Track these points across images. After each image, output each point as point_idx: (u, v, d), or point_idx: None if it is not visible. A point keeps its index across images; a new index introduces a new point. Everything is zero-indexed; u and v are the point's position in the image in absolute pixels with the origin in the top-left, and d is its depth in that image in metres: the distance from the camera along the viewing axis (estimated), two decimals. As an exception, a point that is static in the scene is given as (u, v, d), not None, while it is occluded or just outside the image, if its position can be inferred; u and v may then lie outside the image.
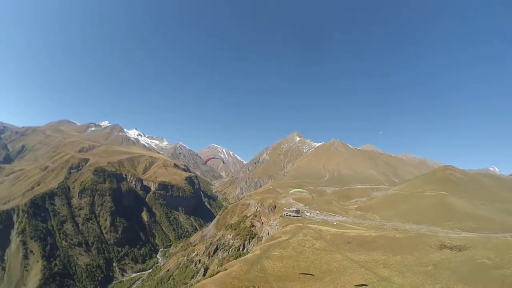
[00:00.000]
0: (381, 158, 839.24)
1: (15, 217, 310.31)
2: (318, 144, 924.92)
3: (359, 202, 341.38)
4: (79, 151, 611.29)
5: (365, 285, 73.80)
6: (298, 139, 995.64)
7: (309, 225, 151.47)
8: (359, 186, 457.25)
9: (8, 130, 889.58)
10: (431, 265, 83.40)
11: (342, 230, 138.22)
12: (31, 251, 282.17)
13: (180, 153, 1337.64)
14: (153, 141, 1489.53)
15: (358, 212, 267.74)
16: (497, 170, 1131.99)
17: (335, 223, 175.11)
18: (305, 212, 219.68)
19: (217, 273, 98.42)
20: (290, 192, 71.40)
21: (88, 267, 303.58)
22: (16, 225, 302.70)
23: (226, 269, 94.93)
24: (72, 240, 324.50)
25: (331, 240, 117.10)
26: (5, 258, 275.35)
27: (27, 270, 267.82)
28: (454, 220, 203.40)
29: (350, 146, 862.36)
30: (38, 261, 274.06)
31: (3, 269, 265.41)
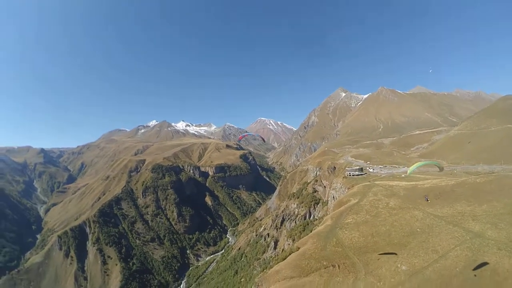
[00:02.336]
0: (434, 98, 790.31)
1: (87, 229, 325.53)
2: (365, 96, 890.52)
3: (420, 148, 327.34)
4: (135, 154, 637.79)
5: (394, 253, 69.33)
6: (343, 94, 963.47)
7: (376, 182, 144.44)
8: (417, 132, 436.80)
9: (65, 153, 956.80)
10: None
11: (413, 183, 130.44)
12: (109, 256, 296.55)
13: (229, 134, 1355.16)
14: (201, 128, 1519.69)
15: (423, 160, 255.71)
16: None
17: (403, 175, 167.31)
18: (368, 168, 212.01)
19: (289, 254, 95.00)
20: (414, 167, 59.94)
21: (164, 259, 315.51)
22: (90, 236, 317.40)
23: (299, 248, 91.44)
24: (144, 237, 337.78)
25: (405, 196, 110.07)
26: (86, 268, 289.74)
27: (107, 275, 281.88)
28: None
29: (399, 91, 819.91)
30: (116, 264, 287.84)
31: (85, 279, 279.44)
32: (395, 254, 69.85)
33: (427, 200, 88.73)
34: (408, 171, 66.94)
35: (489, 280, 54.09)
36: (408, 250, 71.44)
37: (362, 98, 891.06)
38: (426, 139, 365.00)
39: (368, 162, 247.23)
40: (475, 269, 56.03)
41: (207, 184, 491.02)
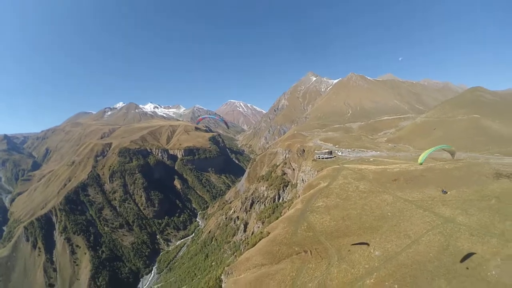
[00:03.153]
0: (403, 86, 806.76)
1: (54, 218, 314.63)
2: (335, 81, 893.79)
3: (388, 134, 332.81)
4: (101, 138, 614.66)
5: (366, 243, 67.59)
6: (314, 79, 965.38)
7: (345, 165, 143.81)
8: (385, 118, 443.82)
9: (29, 138, 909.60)
10: (494, 198, 75.28)
11: (382, 167, 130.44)
12: (77, 245, 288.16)
13: (199, 116, 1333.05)
14: (170, 110, 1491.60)
15: (390, 145, 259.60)
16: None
17: (371, 159, 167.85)
18: (337, 152, 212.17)
19: (259, 239, 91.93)
20: (425, 154, 53.11)
21: (134, 245, 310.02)
22: (57, 225, 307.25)
23: (269, 233, 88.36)
24: (113, 224, 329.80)
25: (375, 180, 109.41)
26: (54, 259, 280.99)
27: (77, 265, 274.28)
28: (492, 144, 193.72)
29: (369, 78, 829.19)
30: (85, 253, 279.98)
31: (55, 270, 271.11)
32: (367, 244, 67.71)
33: (445, 193, 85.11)
34: (420, 159, 61.14)
35: (463, 266, 53.51)
36: (380, 234, 70.25)
37: (332, 83, 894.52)
38: (393, 124, 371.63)
39: (337, 146, 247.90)
40: (462, 260, 54.83)
41: (175, 168, 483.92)
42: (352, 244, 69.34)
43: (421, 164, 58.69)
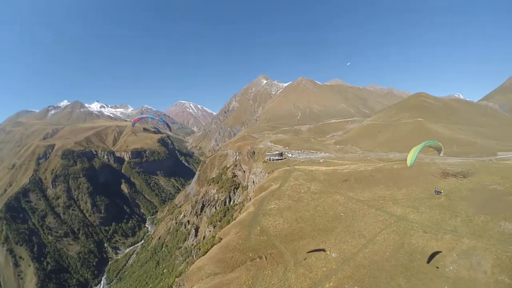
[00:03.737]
0: (350, 91, 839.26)
1: None
2: (285, 84, 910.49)
3: (335, 136, 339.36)
4: (44, 139, 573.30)
5: (323, 249, 65.10)
6: (265, 81, 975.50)
7: (296, 166, 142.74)
8: (333, 121, 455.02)
9: None
10: (443, 196, 76.83)
11: (332, 168, 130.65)
12: (20, 257, 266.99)
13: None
14: (117, 110, 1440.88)
15: (338, 146, 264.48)
16: (461, 96, 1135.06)
17: (321, 160, 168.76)
18: (287, 153, 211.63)
19: (211, 246, 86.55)
20: (414, 154, 46.27)
21: (80, 255, 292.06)
22: None
23: (221, 239, 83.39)
24: (57, 232, 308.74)
25: (326, 181, 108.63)
26: None
27: (21, 278, 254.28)
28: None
29: (318, 82, 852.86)
30: (29, 265, 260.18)
31: None
32: (324, 250, 64.98)
33: (439, 193, 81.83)
34: (409, 161, 54.47)
35: (419, 262, 53.24)
36: (335, 235, 68.73)
37: (283, 86, 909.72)
38: (341, 127, 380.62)
39: (287, 148, 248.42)
40: (429, 259, 53.75)
41: (122, 171, 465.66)
42: (308, 252, 65.93)
43: (410, 166, 55.49)
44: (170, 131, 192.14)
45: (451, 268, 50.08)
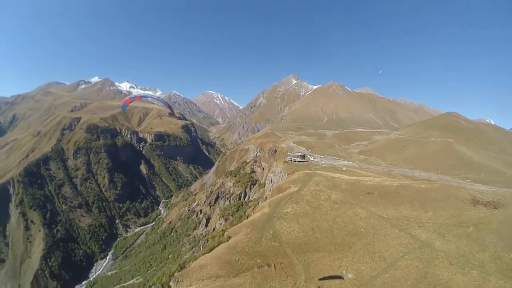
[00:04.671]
0: (379, 101, 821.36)
1: (11, 190, 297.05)
2: (315, 87, 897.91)
3: (360, 145, 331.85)
4: (71, 111, 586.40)
5: (340, 277, 59.01)
6: (294, 81, 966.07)
7: (317, 171, 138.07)
8: (359, 129, 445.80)
9: None
10: (471, 225, 71.69)
11: (356, 178, 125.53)
12: (32, 221, 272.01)
13: (175, 102, 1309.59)
14: (146, 92, 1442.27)
15: (362, 156, 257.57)
16: (492, 122, 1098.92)
17: (344, 168, 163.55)
18: (309, 156, 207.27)
19: (218, 244, 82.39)
20: None
21: (91, 227, 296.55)
22: (13, 198, 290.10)
23: (230, 238, 79.46)
24: (72, 203, 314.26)
25: (347, 191, 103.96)
26: (7, 233, 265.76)
27: (30, 242, 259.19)
28: (464, 169, 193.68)
29: (348, 89, 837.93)
30: (40, 230, 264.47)
31: (7, 245, 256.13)
32: (341, 278, 59.36)
33: None
34: None
35: None
36: (353, 253, 64.21)
37: (312, 88, 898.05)
38: (367, 137, 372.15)
39: (310, 151, 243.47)
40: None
41: (143, 152, 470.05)
42: (320, 279, 59.35)
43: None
44: (173, 114, 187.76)
45: None
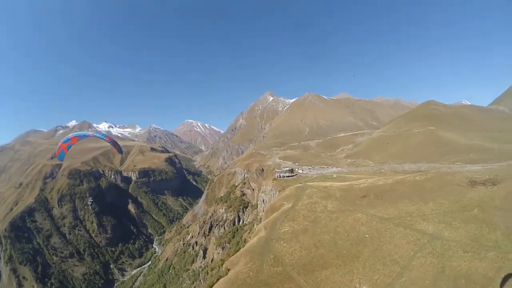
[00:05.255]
0: (356, 104, 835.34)
1: None
2: (292, 101, 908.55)
3: (345, 150, 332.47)
4: (51, 158, 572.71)
5: None
6: (271, 98, 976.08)
7: (308, 183, 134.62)
8: (342, 135, 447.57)
9: None
10: (475, 207, 68.53)
11: (348, 183, 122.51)
12: (24, 277, 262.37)
13: (155, 136, 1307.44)
14: (125, 130, 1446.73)
15: (349, 160, 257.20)
16: (468, 103, 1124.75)
17: (334, 175, 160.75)
18: (298, 169, 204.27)
19: (217, 280, 76.35)
20: None
21: (86, 276, 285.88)
22: (2, 254, 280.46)
23: (229, 270, 73.78)
24: (62, 253, 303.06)
25: (343, 197, 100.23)
26: None
27: None
28: (452, 153, 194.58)
29: (324, 97, 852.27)
30: (33, 286, 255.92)
31: None
32: None
33: None
34: None
35: None
36: (362, 262, 59.86)
37: (289, 102, 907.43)
38: (350, 141, 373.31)
39: (297, 164, 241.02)
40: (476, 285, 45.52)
41: (130, 191, 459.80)
42: None
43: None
44: (121, 152, 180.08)
45: None
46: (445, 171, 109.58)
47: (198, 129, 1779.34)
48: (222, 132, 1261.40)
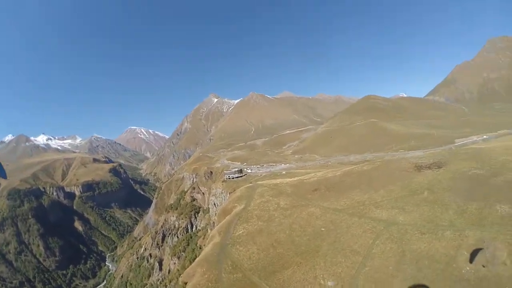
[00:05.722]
0: (299, 102, 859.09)
1: None
2: (236, 101, 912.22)
3: (292, 146, 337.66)
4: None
5: None
6: (215, 100, 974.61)
7: (258, 182, 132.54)
8: (287, 132, 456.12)
9: None
10: (425, 190, 70.81)
11: (298, 178, 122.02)
12: None
13: (97, 146, 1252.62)
14: (65, 141, 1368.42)
15: (296, 156, 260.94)
16: (405, 95, 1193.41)
17: (283, 172, 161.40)
18: (246, 169, 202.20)
19: None
20: None
21: None
22: None
23: (186, 284, 68.36)
24: (11, 283, 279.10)
25: (294, 193, 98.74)
26: None
27: None
28: (394, 142, 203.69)
29: (268, 96, 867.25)
30: None
31: None
32: None
33: None
34: None
35: (430, 270, 45.47)
36: (323, 257, 57.89)
37: (234, 103, 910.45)
38: (296, 137, 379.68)
39: (245, 164, 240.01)
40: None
41: (74, 207, 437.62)
42: None
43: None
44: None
45: (467, 268, 43.05)
46: (390, 159, 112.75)
47: (142, 136, 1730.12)
48: (167, 137, 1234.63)
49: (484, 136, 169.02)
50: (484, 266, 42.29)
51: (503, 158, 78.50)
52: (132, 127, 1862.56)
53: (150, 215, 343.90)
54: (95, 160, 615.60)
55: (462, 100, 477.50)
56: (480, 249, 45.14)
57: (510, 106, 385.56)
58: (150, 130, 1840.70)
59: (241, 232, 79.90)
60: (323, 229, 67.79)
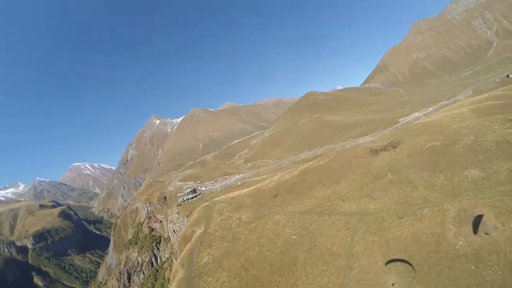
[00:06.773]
0: (243, 110, 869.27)
1: None
2: (179, 120, 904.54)
3: (242, 155, 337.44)
4: None
5: None
6: (158, 122, 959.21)
7: (215, 199, 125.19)
8: (235, 141, 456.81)
9: None
10: (387, 172, 68.30)
11: (255, 187, 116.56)
12: None
13: (42, 190, 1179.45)
14: (8, 191, 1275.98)
15: (249, 164, 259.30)
16: (342, 87, 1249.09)
17: (239, 183, 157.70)
18: (201, 187, 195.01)
19: None
20: None
21: None
22: None
23: None
24: None
25: (254, 203, 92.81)
26: None
27: None
28: (342, 133, 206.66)
29: (210, 109, 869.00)
30: None
31: None
32: None
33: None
34: None
35: (421, 255, 41.76)
36: (302, 269, 51.97)
37: (177, 122, 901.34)
38: (245, 145, 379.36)
39: (198, 181, 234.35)
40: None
41: (30, 261, 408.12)
42: None
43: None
44: None
45: (460, 243, 40.05)
46: (342, 149, 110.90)
47: (88, 171, 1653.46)
48: (114, 168, 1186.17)
49: (429, 109, 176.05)
50: (476, 234, 39.79)
51: (455, 125, 78.30)
52: (76, 163, 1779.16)
53: (111, 255, 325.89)
54: (41, 206, 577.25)
55: (397, 83, 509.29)
56: (465, 219, 42.72)
57: (442, 80, 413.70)
58: (95, 164, 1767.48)
59: (206, 259, 71.74)
60: (294, 237, 62.05)
